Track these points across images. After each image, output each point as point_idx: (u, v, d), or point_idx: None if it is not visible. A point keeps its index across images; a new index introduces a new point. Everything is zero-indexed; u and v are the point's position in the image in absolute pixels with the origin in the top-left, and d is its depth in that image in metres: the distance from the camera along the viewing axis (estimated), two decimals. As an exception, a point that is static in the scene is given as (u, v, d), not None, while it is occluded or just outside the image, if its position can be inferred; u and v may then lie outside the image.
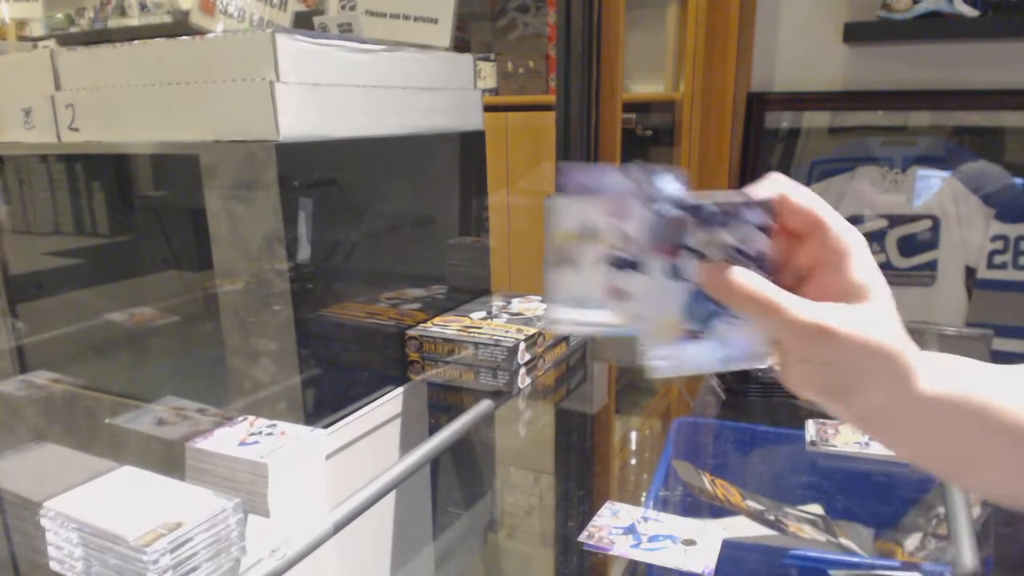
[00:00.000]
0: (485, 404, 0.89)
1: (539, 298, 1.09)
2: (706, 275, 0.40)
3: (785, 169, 1.66)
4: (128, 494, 0.62)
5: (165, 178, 0.91)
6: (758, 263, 0.40)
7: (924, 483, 1.05)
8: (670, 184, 0.40)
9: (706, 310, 0.41)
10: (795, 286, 0.40)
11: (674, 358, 0.41)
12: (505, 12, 2.31)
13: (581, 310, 0.41)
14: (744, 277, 0.39)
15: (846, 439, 1.03)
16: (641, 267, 0.41)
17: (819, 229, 0.40)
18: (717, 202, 0.39)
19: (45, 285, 1.05)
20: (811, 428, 1.06)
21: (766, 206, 0.40)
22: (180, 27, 1.09)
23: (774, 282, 0.39)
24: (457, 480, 1.11)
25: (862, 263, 0.39)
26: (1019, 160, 1.50)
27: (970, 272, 1.52)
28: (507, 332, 0.93)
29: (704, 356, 0.42)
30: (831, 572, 0.80)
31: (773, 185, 0.40)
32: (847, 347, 0.38)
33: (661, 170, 0.39)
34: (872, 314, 0.39)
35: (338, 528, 0.65)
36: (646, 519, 0.82)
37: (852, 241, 0.40)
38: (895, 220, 1.55)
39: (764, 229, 0.40)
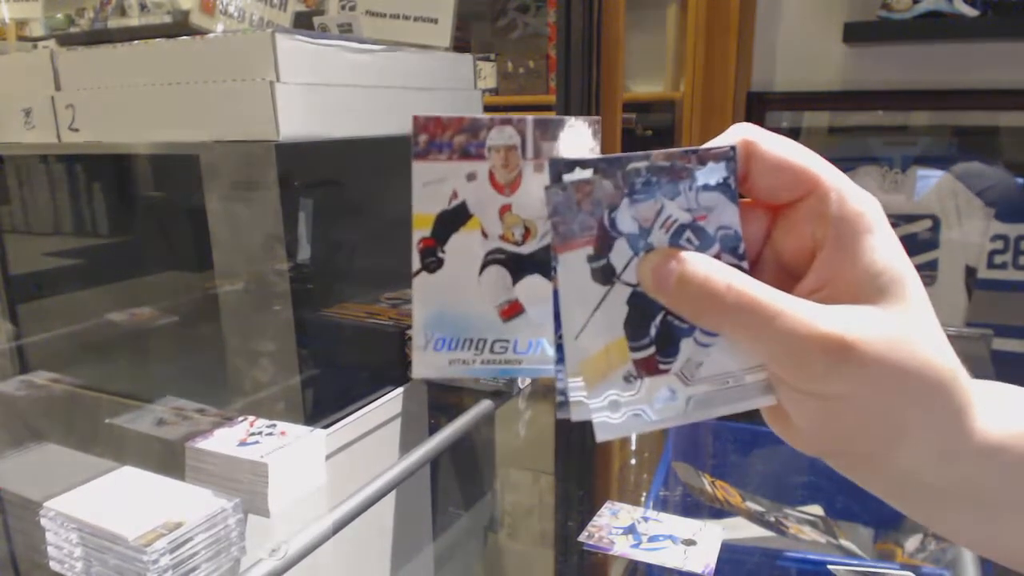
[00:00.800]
0: (485, 404, 0.89)
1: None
2: (647, 271, 0.26)
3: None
4: (128, 494, 0.62)
5: (165, 178, 0.91)
6: (725, 247, 0.27)
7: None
8: (578, 136, 0.26)
9: (661, 327, 0.26)
10: (783, 283, 0.27)
11: (623, 406, 0.26)
12: (505, 12, 2.31)
13: (461, 342, 0.27)
14: (707, 269, 0.26)
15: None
16: (550, 266, 0.26)
17: (815, 194, 0.26)
18: (652, 159, 0.26)
19: (45, 285, 1.05)
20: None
21: (726, 158, 0.26)
22: (180, 27, 1.09)
23: (753, 276, 0.26)
24: (457, 480, 1.11)
25: (885, 243, 0.26)
26: (1019, 160, 1.50)
27: (970, 272, 1.52)
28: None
29: (667, 399, 0.27)
30: (831, 567, 0.80)
31: (736, 132, 0.27)
32: (879, 373, 0.24)
33: (562, 119, 0.26)
34: (909, 321, 0.25)
35: (338, 528, 0.65)
36: (646, 519, 0.82)
37: (868, 210, 0.26)
38: (896, 220, 1.55)
39: (728, 195, 0.26)
